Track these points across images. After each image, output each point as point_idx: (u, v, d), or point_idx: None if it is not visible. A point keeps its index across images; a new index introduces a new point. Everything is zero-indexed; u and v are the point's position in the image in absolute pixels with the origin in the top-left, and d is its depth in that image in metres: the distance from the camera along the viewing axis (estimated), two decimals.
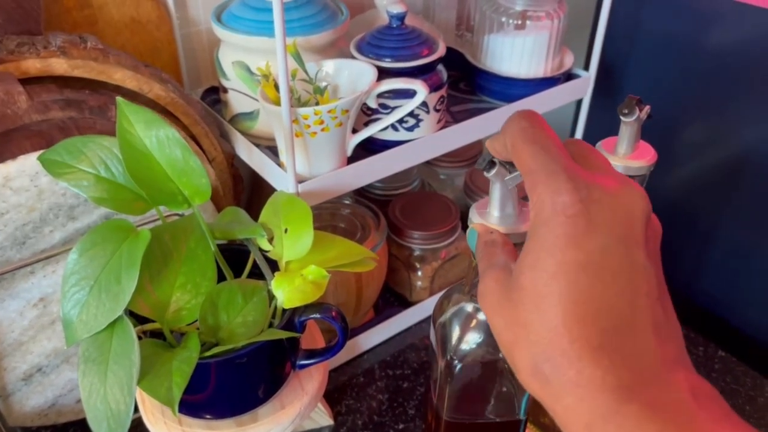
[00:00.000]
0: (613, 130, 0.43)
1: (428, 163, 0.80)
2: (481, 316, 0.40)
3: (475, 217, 0.36)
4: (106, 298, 0.39)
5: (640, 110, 0.40)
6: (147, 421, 0.47)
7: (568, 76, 0.67)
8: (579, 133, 0.72)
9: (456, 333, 0.41)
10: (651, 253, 0.27)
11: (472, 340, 0.40)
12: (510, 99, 0.63)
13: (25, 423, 0.53)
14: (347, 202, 0.67)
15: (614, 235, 0.26)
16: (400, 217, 0.69)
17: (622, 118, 0.40)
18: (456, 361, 0.40)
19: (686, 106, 0.73)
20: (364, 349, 0.67)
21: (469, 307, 0.40)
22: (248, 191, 0.72)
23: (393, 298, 0.72)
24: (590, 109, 0.70)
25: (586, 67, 0.68)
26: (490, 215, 0.36)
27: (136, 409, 0.48)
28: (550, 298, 0.25)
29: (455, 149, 0.77)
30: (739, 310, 0.73)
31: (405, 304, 0.71)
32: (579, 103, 0.70)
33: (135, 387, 0.37)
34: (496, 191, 0.35)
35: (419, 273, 0.69)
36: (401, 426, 0.59)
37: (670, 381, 0.24)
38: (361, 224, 0.64)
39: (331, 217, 0.66)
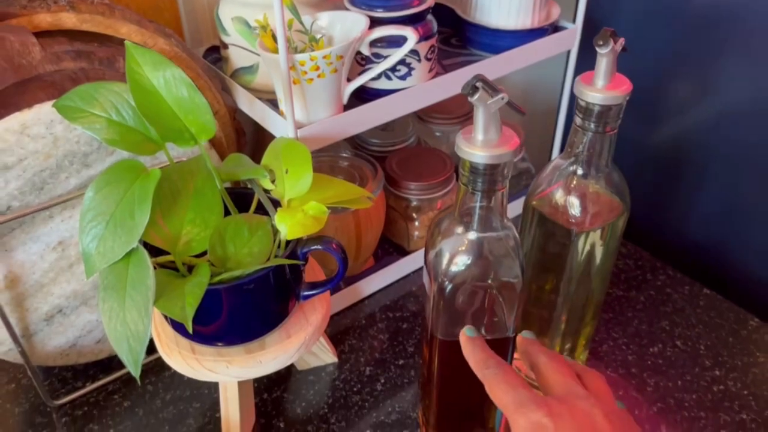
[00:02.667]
0: None
1: (423, 120, 0.83)
2: (471, 236, 0.43)
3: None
4: (121, 232, 0.42)
5: (615, 42, 0.42)
6: (163, 353, 0.50)
7: (555, 29, 0.69)
8: (567, 85, 0.74)
9: (446, 256, 0.44)
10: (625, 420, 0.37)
11: (461, 261, 0.43)
12: (499, 51, 0.65)
13: (47, 362, 0.57)
14: (346, 154, 0.70)
15: None
16: (397, 170, 0.72)
17: (597, 49, 0.42)
18: (447, 282, 0.43)
19: (673, 57, 0.75)
20: (365, 295, 0.70)
21: (459, 230, 0.43)
22: (251, 146, 0.74)
23: (392, 249, 0.76)
24: (578, 62, 0.72)
25: (574, 20, 0.70)
26: (474, 140, 0.39)
27: (153, 351, 0.51)
28: None
29: (449, 106, 0.80)
30: (726, 253, 0.76)
31: (403, 253, 0.74)
32: (568, 56, 0.72)
33: (151, 308, 0.41)
34: (479, 115, 0.38)
35: (416, 223, 0.73)
36: (401, 362, 0.63)
37: None
38: (359, 175, 0.67)
39: (330, 169, 0.69)
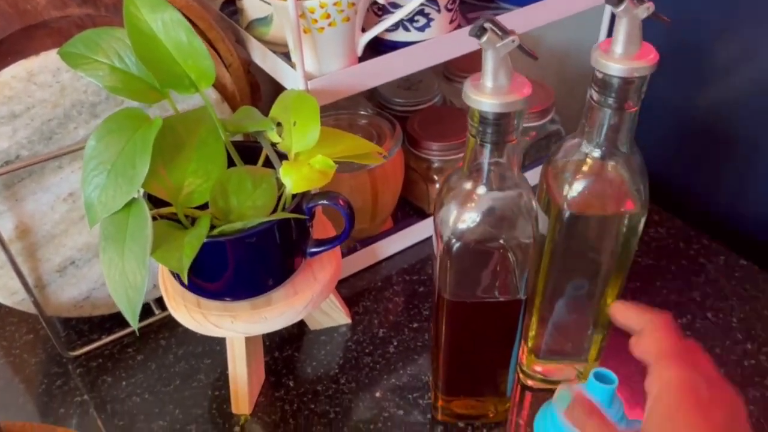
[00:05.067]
0: None
1: (449, 79, 0.80)
2: (480, 191, 0.40)
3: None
4: (122, 181, 0.42)
5: (634, 4, 0.37)
6: (170, 307, 0.50)
7: None
8: None
9: (454, 213, 0.42)
10: None
11: (470, 219, 0.41)
12: (526, 3, 0.61)
13: (61, 313, 0.57)
14: (365, 112, 0.68)
15: (730, 414, 0.32)
16: (419, 130, 0.70)
17: (612, 9, 0.38)
18: (454, 240, 0.41)
19: (718, 21, 0.70)
20: (382, 257, 0.69)
21: (468, 185, 0.41)
22: (269, 102, 0.73)
23: (412, 211, 0.74)
24: (612, 20, 0.68)
25: None
26: (483, 86, 0.37)
27: (165, 308, 0.50)
28: None
29: (478, 64, 0.77)
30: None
31: (423, 216, 0.72)
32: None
33: (148, 259, 0.40)
34: (488, 60, 0.36)
35: (437, 185, 0.70)
36: (415, 325, 0.61)
37: None
38: (377, 133, 0.65)
39: (349, 127, 0.67)
